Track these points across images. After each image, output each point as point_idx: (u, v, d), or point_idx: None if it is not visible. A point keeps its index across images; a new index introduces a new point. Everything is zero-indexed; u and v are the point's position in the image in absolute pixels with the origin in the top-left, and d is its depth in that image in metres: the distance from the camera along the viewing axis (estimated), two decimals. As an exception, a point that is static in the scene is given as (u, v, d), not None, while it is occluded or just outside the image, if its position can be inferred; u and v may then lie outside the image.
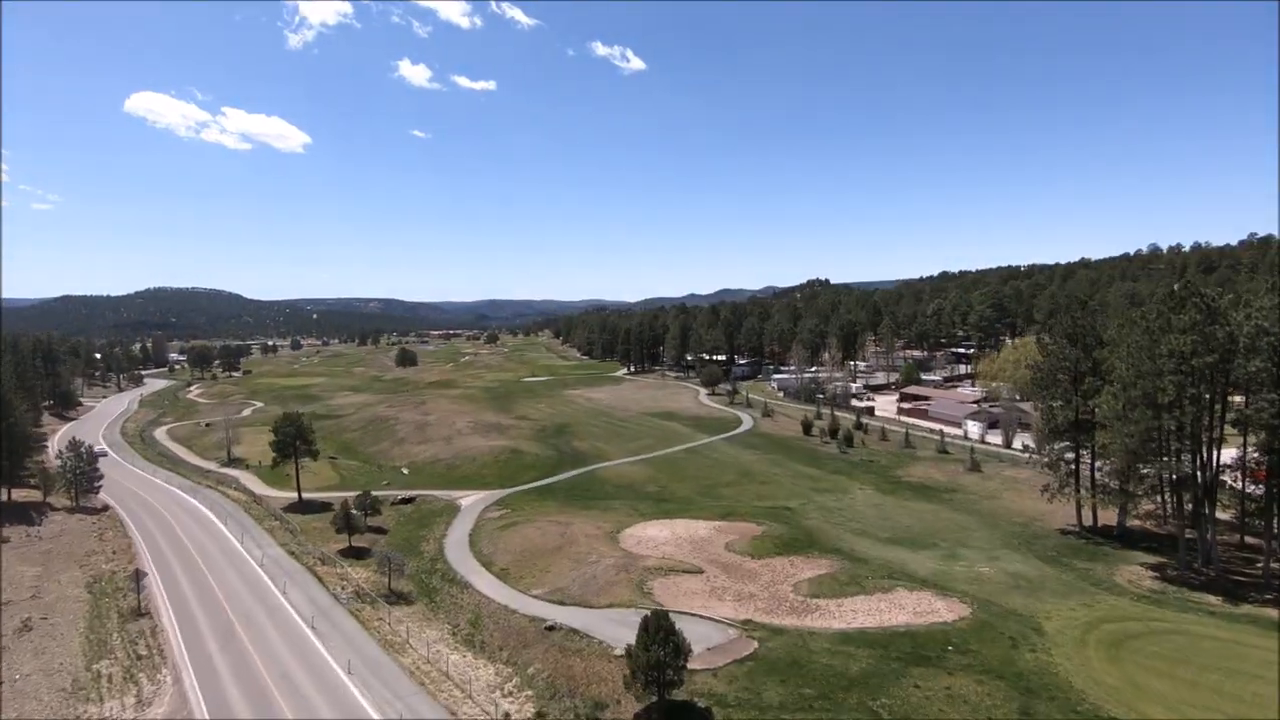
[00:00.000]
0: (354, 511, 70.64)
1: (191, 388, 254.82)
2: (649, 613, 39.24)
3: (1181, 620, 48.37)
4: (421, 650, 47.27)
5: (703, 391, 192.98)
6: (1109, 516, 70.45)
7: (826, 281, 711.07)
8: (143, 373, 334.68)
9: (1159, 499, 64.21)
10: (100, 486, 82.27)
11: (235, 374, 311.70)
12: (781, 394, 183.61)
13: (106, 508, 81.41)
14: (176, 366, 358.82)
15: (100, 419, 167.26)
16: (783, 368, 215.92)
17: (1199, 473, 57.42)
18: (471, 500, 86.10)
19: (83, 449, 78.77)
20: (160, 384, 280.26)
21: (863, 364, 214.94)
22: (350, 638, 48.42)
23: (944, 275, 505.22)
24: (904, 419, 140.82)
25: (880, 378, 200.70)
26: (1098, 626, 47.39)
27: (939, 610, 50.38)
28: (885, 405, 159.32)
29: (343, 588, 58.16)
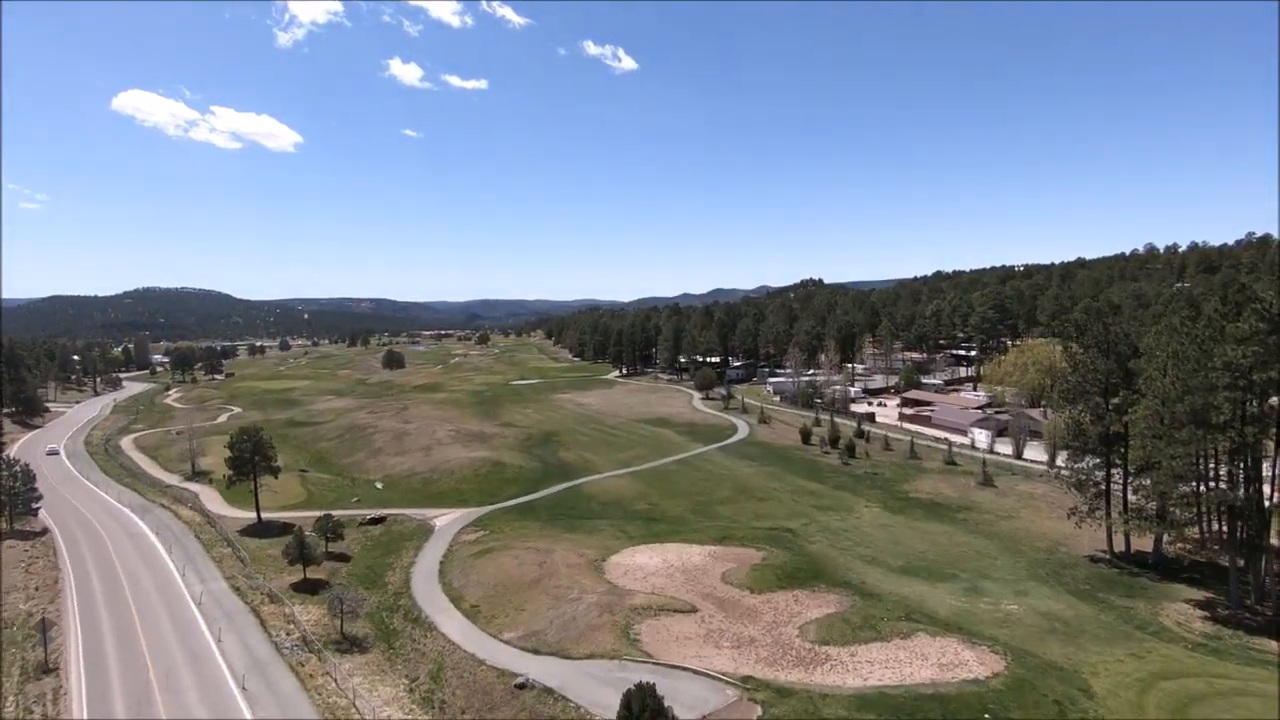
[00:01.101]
0: (310, 537, 63.64)
1: (170, 392, 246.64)
2: (633, 687, 32.52)
3: (1248, 677, 41.97)
4: (369, 717, 40.45)
5: (696, 396, 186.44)
6: (1142, 542, 64.12)
7: (820, 281, 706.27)
8: (122, 376, 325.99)
9: (1202, 524, 57.92)
10: (39, 508, 74.88)
11: (218, 376, 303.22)
12: (778, 398, 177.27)
13: (44, 531, 74.11)
14: (159, 369, 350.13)
15: (67, 426, 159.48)
16: (778, 370, 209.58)
17: (1254, 497, 51.14)
18: (447, 520, 79.20)
19: (17, 467, 71.37)
20: (139, 387, 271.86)
21: (860, 367, 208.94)
22: (285, 701, 41.55)
23: (939, 275, 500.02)
24: (906, 426, 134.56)
25: (879, 381, 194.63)
26: (1154, 685, 40.99)
27: (968, 662, 43.87)
28: (885, 410, 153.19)
29: (287, 633, 51.22)
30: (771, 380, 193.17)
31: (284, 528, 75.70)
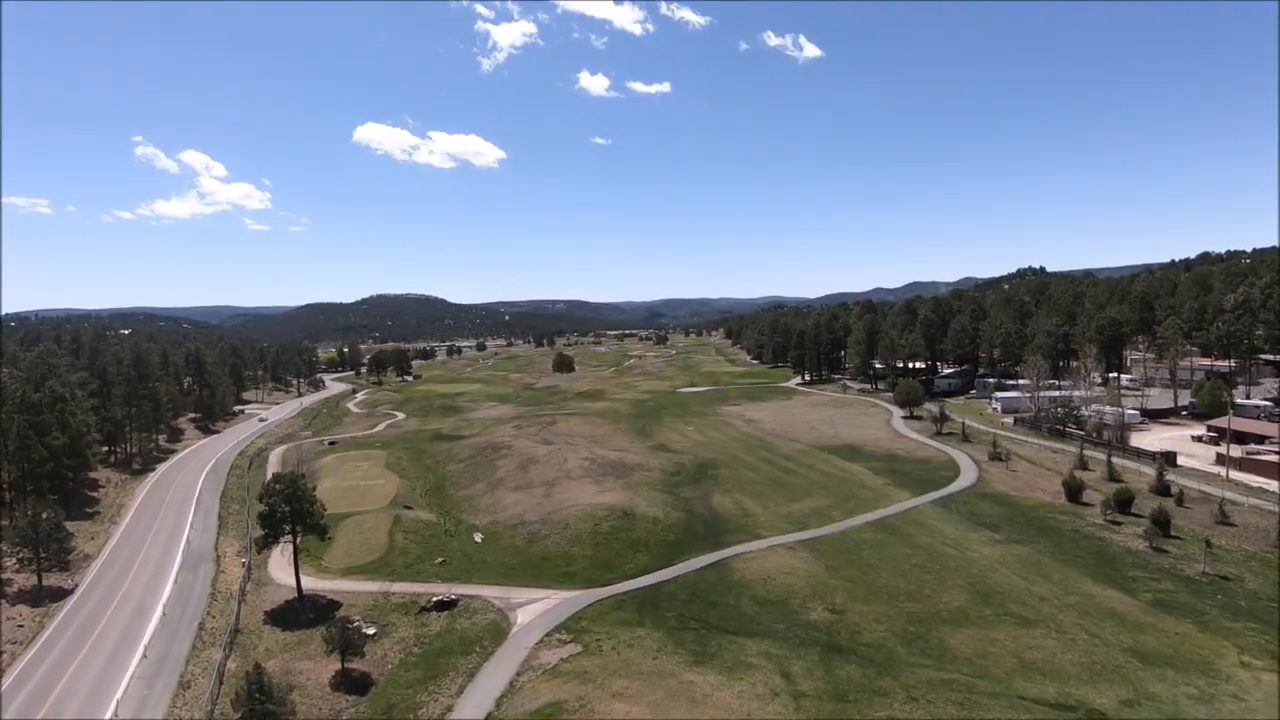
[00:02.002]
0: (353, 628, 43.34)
1: (357, 394, 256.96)
2: None
3: None
4: None
5: (897, 413, 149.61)
6: None
7: (1042, 270, 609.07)
8: (330, 376, 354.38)
9: None
10: (70, 561, 63.52)
11: (408, 378, 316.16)
12: (1008, 419, 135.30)
13: (71, 591, 62.10)
14: (363, 369, 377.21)
15: (244, 431, 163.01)
16: (1006, 382, 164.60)
17: None
18: (534, 614, 56.21)
19: (44, 515, 60.27)
20: (339, 388, 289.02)
21: (1126, 378, 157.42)
22: None
23: (1205, 257, 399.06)
24: (1235, 475, 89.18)
25: (1156, 398, 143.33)
26: None
27: None
28: (1178, 441, 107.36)
29: None
30: (999, 395, 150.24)
31: (327, 609, 57.33)
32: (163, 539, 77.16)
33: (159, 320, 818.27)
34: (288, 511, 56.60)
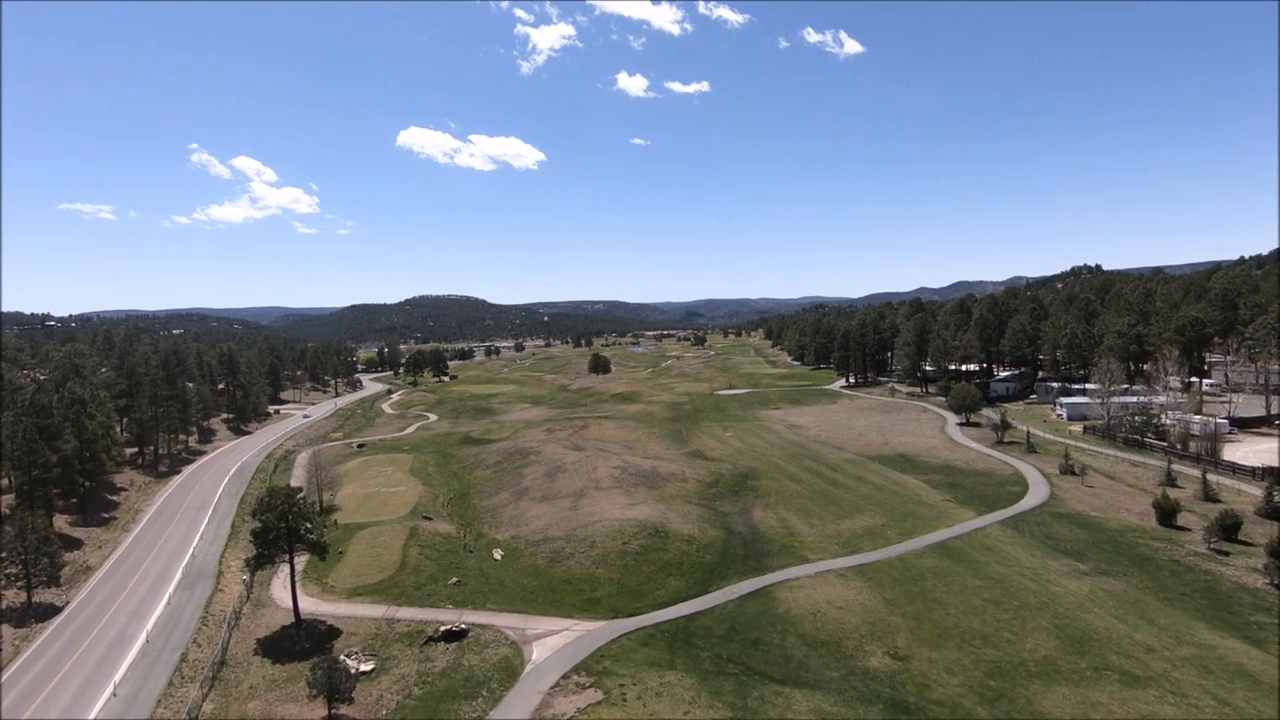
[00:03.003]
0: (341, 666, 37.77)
1: (392, 395, 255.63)
2: None
3: None
4: None
5: (951, 419, 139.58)
6: None
7: (1098, 268, 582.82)
8: (368, 376, 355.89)
9: None
10: (62, 576, 59.61)
11: (445, 379, 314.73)
12: (1076, 427, 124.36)
13: (61, 608, 57.99)
14: (401, 369, 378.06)
15: (275, 432, 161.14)
16: (1071, 386, 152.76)
17: None
18: (552, 649, 49.89)
19: (30, 527, 56.29)
20: (376, 388, 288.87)
21: (1207, 383, 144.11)
22: None
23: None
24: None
25: (1242, 405, 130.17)
26: None
27: None
28: (1269, 454, 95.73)
29: None
30: (1065, 401, 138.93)
31: (325, 637, 51.94)
32: (170, 549, 73.28)
33: (211, 321, 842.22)
34: (284, 529, 51.33)
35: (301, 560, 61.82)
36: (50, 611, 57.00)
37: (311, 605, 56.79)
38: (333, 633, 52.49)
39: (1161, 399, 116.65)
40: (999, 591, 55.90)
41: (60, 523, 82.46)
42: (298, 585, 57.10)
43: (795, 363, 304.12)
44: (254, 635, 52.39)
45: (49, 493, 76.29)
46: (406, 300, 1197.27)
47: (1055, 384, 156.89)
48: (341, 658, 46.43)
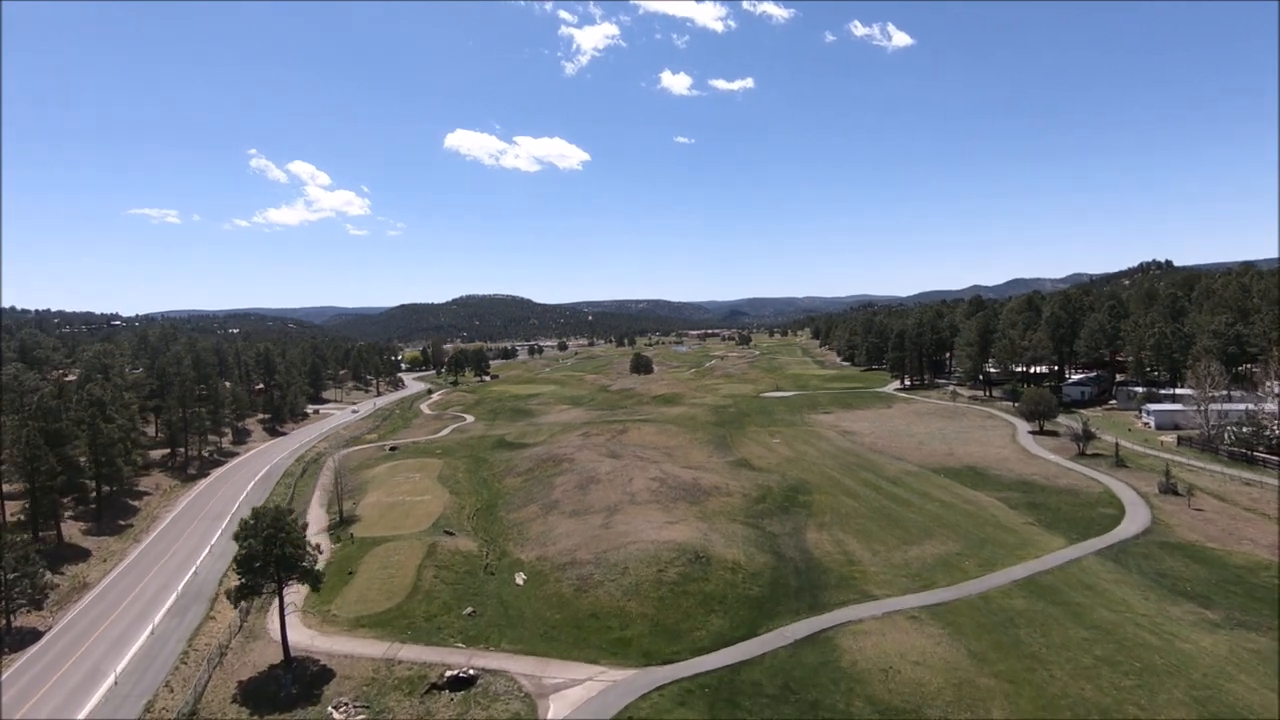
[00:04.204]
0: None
1: (432, 395, 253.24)
2: None
3: None
4: None
5: (1022, 426, 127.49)
6: None
7: (1169, 264, 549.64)
8: (412, 375, 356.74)
9: None
10: (44, 599, 54.76)
11: (485, 378, 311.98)
12: (1168, 437, 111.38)
13: (46, 630, 53.11)
14: (442, 369, 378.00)
15: (311, 433, 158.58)
16: (1160, 391, 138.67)
17: None
18: (570, 706, 42.47)
19: (6, 545, 51.50)
20: (419, 387, 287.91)
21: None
22: None
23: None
24: None
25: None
26: None
27: None
28: None
29: None
30: (1153, 408, 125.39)
31: (317, 680, 45.54)
32: (175, 564, 68.57)
33: (268, 320, 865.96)
34: (274, 556, 45.10)
35: (298, 590, 55.52)
36: (29, 638, 52.30)
37: (307, 640, 50.62)
38: (325, 674, 46.12)
39: (1271, 406, 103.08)
40: (1113, 647, 46.11)
41: (73, 530, 79.19)
42: (293, 616, 51.16)
43: (845, 363, 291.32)
44: (237, 676, 46.34)
45: (56, 501, 72.58)
46: (454, 300, 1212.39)
47: (1139, 389, 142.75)
48: (329, 710, 39.97)
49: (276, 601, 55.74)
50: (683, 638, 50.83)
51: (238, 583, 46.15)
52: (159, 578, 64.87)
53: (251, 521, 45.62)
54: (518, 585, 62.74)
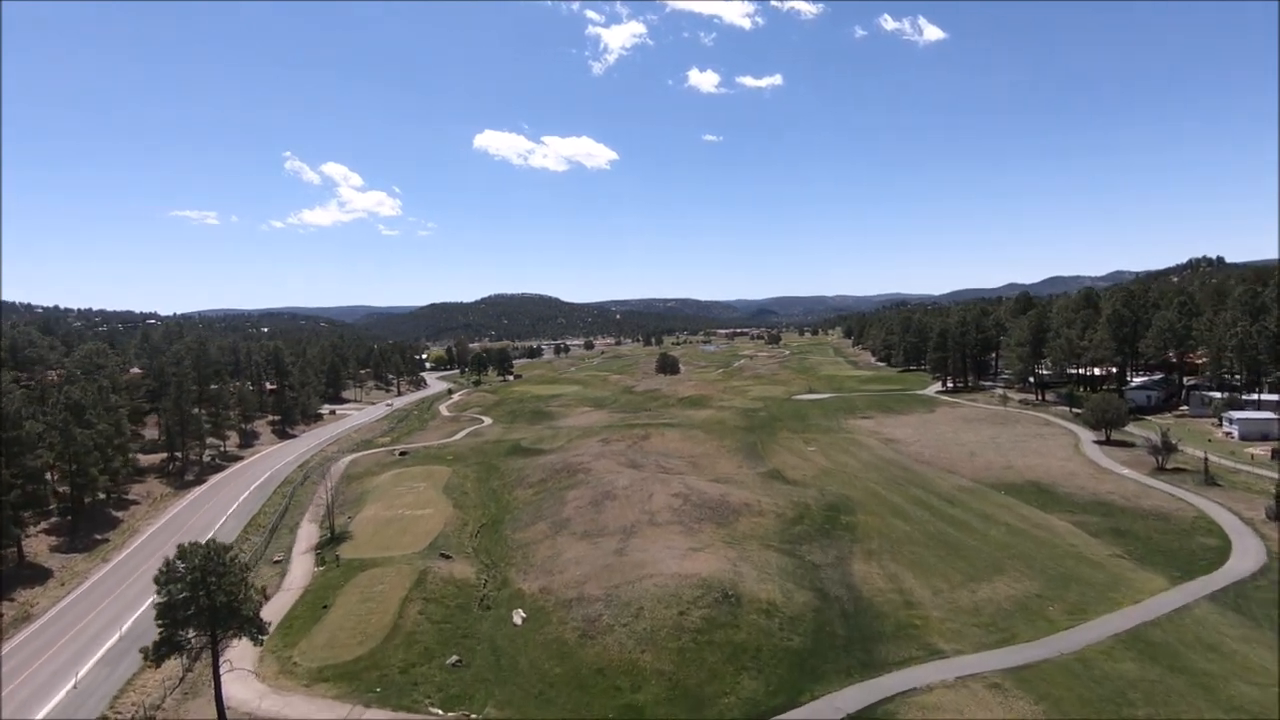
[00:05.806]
0: None
1: (453, 395, 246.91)
2: None
3: None
4: None
5: (1085, 435, 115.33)
6: None
7: (1220, 260, 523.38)
8: (434, 374, 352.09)
9: None
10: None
11: (508, 378, 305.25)
12: (1258, 449, 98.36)
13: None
14: (465, 369, 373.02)
15: (322, 436, 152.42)
16: (1242, 397, 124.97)
17: None
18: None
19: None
20: (440, 386, 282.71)
21: None
22: None
23: None
24: None
25: None
26: None
27: None
28: None
29: None
30: (1237, 415, 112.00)
31: (255, 758, 37.18)
32: (133, 593, 60.93)
33: (301, 319, 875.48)
34: (204, 604, 36.79)
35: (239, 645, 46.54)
36: (-62, 689, 44.94)
37: (254, 699, 42.24)
38: (265, 751, 37.73)
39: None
40: (1265, 740, 35.53)
41: (41, 547, 72.62)
42: (246, 665, 42.85)
43: (880, 364, 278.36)
44: (162, 751, 38.28)
45: (18, 515, 65.88)
46: (482, 299, 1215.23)
47: (1215, 394, 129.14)
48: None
49: (234, 641, 47.63)
50: (706, 706, 41.39)
51: (156, 638, 37.76)
52: (111, 609, 57.39)
53: (177, 560, 37.32)
54: (515, 625, 53.85)
